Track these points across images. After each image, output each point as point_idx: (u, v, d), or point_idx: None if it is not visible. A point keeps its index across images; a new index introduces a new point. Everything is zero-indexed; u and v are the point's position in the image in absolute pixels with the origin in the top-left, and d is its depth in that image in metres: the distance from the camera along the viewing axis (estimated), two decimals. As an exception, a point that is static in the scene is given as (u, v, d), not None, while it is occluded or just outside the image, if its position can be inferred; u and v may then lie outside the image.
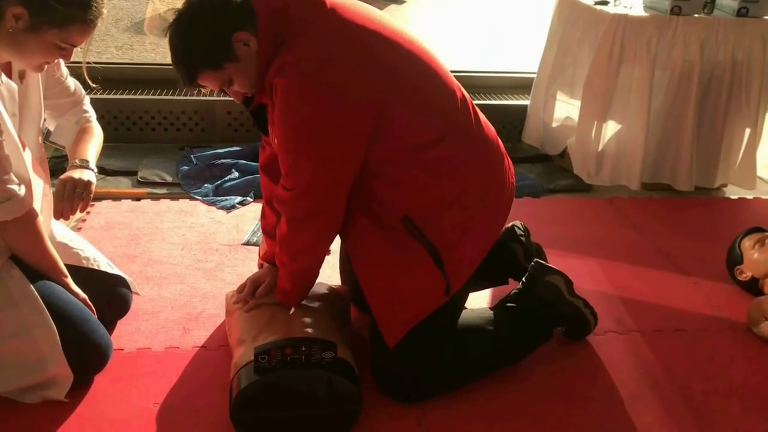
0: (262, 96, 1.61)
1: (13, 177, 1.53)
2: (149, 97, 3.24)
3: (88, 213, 2.56)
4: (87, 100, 1.89)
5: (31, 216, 1.60)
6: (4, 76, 1.57)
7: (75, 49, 1.55)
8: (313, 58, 1.50)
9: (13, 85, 1.60)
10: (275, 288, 1.78)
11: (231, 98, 1.69)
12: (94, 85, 1.74)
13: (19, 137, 1.61)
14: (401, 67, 1.59)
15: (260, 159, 1.92)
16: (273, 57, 1.53)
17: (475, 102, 1.76)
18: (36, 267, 1.65)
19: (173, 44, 1.57)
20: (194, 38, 1.55)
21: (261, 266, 2.04)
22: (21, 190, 1.55)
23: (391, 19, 1.67)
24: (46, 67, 1.62)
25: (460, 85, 1.74)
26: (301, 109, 1.51)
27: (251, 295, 1.82)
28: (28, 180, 1.62)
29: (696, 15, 2.88)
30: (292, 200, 1.61)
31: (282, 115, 1.53)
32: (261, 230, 1.92)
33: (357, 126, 1.54)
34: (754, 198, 3.11)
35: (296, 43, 1.51)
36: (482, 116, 1.78)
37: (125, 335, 1.90)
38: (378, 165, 1.62)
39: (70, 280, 1.72)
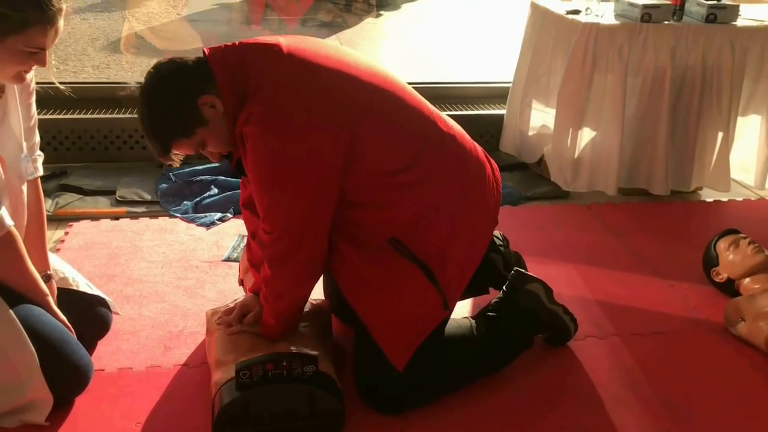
0: (237, 150, 1.64)
1: None
2: (127, 115, 3.22)
3: (67, 234, 2.55)
4: (41, 160, 1.84)
5: (10, 236, 1.59)
6: None
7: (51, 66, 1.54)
8: (277, 104, 1.53)
9: None
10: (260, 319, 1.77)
11: None
12: (68, 93, 1.74)
13: None
14: (363, 99, 1.61)
15: (241, 196, 1.95)
16: (239, 110, 1.56)
17: (452, 113, 1.78)
18: (15, 288, 1.64)
19: (142, 120, 1.61)
20: (161, 112, 1.59)
21: (241, 282, 2.04)
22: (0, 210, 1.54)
23: (349, 51, 1.70)
24: (26, 78, 1.58)
25: (426, 102, 1.76)
26: (270, 154, 1.54)
27: (238, 321, 1.80)
28: (6, 199, 1.60)
29: (666, 22, 2.93)
30: (272, 242, 1.63)
31: (253, 161, 1.56)
32: (247, 261, 1.92)
33: (326, 164, 1.56)
34: (729, 200, 3.16)
35: (259, 92, 1.54)
36: (456, 128, 1.80)
37: (106, 355, 1.89)
38: (356, 195, 1.64)
39: (50, 299, 1.71)
